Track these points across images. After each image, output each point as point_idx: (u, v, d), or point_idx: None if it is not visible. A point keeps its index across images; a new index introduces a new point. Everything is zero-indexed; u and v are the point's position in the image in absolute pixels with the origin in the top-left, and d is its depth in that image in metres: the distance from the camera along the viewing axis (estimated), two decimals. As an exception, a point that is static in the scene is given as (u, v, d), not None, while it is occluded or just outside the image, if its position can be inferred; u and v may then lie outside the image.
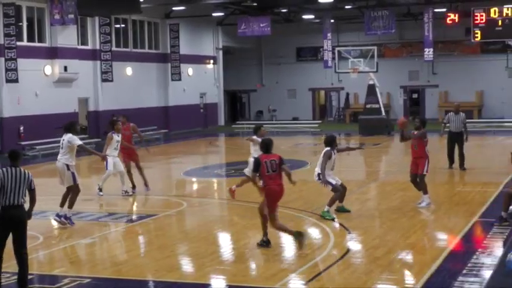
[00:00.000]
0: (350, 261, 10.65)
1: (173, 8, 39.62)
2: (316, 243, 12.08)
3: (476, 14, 34.52)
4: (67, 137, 13.88)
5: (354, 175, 22.03)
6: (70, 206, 13.75)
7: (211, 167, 25.26)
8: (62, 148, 13.94)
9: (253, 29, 39.05)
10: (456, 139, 20.82)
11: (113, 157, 17.02)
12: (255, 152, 14.75)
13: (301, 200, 15.98)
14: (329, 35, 41.80)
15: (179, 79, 41.28)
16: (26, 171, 9.25)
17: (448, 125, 21.23)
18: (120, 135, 17.40)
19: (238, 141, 36.92)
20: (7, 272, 10.21)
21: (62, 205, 13.77)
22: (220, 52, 47.21)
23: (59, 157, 13.95)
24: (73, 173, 13.73)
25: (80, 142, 14.03)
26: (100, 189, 17.29)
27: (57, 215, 13.76)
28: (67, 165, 13.72)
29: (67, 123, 14.56)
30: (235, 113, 52.27)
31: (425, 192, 14.98)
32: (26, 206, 9.42)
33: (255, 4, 38.85)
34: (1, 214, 9.01)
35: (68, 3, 30.02)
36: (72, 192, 13.79)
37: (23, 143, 29.60)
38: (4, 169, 9.11)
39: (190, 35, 43.30)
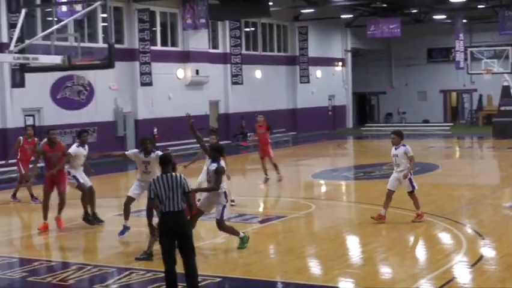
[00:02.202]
0: (483, 268, 10.33)
1: (302, 11, 39.79)
2: (449, 248, 11.81)
3: None
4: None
5: (488, 179, 21.42)
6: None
7: (339, 169, 25.13)
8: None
9: (383, 31, 38.68)
10: None
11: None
12: None
13: (433, 204, 15.64)
14: (461, 35, 40.83)
15: (308, 81, 41.39)
16: (178, 174, 9.11)
17: None
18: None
19: (367, 143, 36.62)
20: (141, 270, 10.57)
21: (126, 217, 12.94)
22: (349, 54, 47.01)
23: None
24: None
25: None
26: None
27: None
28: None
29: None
30: (364, 115, 51.87)
31: None
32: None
33: (384, 5, 38.45)
34: (161, 220, 9.02)
35: (200, 8, 30.74)
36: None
37: (157, 144, 30.47)
38: (155, 178, 9.10)
39: (319, 37, 43.35)
